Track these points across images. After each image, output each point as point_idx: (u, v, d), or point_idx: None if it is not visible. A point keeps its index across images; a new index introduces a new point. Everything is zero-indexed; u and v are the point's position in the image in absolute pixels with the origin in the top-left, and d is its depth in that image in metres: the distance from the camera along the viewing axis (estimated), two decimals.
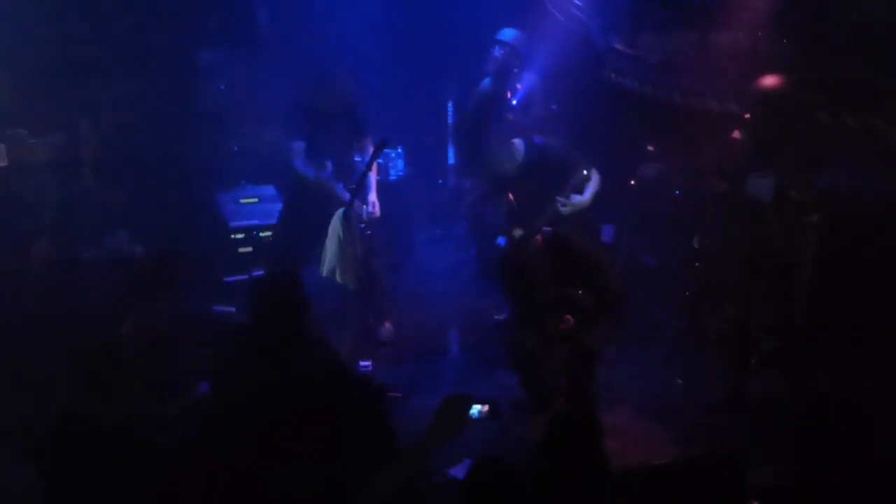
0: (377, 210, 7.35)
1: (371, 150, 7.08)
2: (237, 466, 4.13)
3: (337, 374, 4.67)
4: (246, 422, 4.31)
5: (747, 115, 6.48)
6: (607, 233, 8.33)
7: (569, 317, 6.13)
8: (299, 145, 7.31)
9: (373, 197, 7.34)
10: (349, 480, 3.68)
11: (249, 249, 8.39)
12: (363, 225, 7.20)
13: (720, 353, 6.76)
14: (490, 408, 3.73)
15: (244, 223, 8.43)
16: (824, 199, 6.23)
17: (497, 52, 8.26)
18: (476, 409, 3.71)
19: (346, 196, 7.02)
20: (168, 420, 5.32)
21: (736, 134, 6.46)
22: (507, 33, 8.35)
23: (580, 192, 6.72)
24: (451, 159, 10.31)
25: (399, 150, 9.38)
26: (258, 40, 8.39)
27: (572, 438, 3.73)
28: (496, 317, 7.74)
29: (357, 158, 7.44)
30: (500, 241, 6.74)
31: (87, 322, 6.33)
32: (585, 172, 6.67)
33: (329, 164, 7.27)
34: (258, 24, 8.36)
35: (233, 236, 8.39)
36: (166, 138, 7.74)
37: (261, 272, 7.80)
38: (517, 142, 6.74)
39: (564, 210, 6.61)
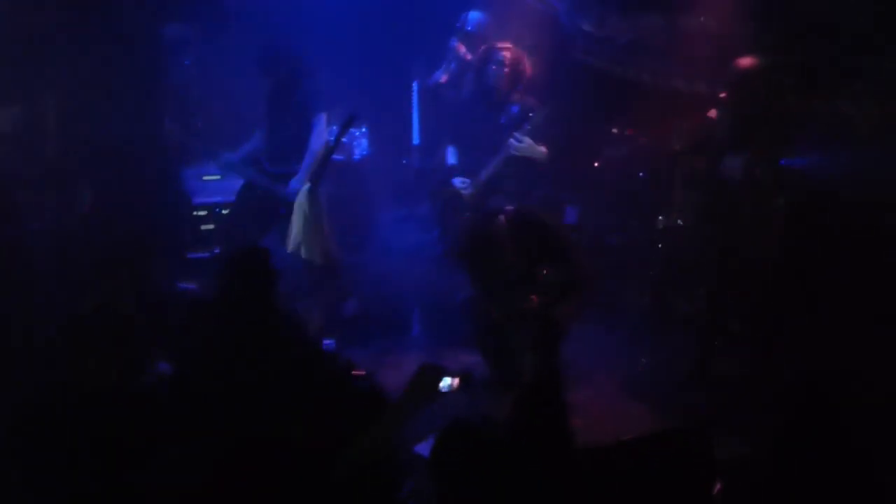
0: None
1: (321, 126, 7.09)
2: (204, 443, 4.09)
3: (304, 350, 4.66)
4: (212, 398, 4.27)
5: (723, 95, 6.51)
6: (570, 214, 8.35)
7: (534, 296, 6.15)
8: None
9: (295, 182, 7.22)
10: (321, 453, 3.67)
11: (212, 227, 8.34)
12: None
13: (685, 333, 6.81)
14: (461, 380, 3.73)
15: (207, 200, 8.36)
16: (793, 180, 6.28)
17: (462, 35, 8.29)
18: (447, 381, 3.71)
19: (285, 191, 7.09)
20: (130, 397, 5.27)
21: (712, 113, 6.50)
22: (472, 19, 8.38)
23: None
24: (416, 139, 10.27)
25: (363, 130, 9.34)
26: (225, 15, 8.29)
27: (539, 416, 3.74)
28: (460, 296, 7.74)
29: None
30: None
31: (43, 299, 6.26)
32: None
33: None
34: (223, 2, 8.26)
35: (196, 213, 8.32)
36: (129, 113, 7.62)
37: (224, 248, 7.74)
38: None
39: (515, 148, 6.76)
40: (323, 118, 7.22)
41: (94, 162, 7.50)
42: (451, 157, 7.49)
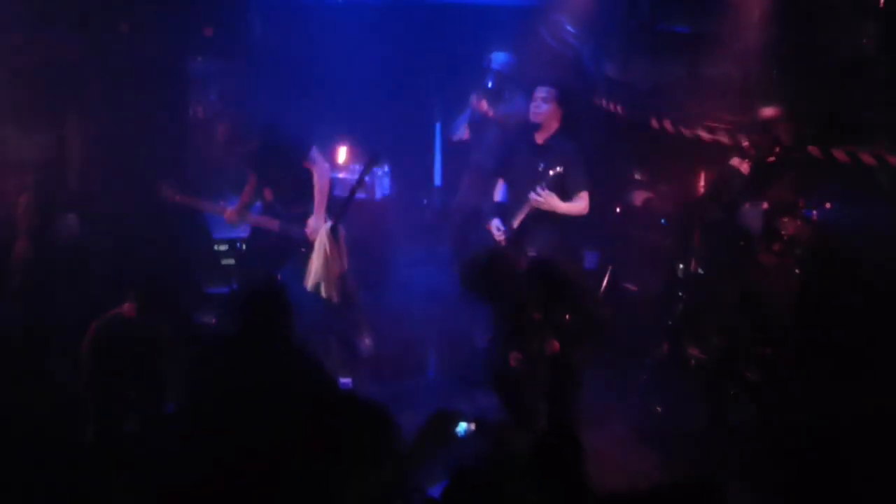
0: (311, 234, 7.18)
1: (318, 159, 7.14)
2: (219, 477, 4.09)
3: (321, 385, 4.66)
4: (228, 430, 4.28)
5: (744, 143, 6.52)
6: (591, 259, 8.35)
7: (554, 341, 6.13)
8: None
9: (313, 221, 7.20)
10: (334, 488, 3.66)
11: (232, 261, 8.35)
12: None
13: (701, 381, 6.77)
14: (477, 426, 3.72)
15: (228, 235, 8.38)
16: (813, 231, 6.27)
17: (488, 76, 8.33)
18: (463, 426, 3.70)
19: (303, 231, 7.15)
20: (146, 430, 5.29)
21: (734, 161, 6.50)
22: (498, 59, 8.42)
23: (560, 193, 6.82)
24: (438, 180, 10.32)
25: (386, 169, 9.37)
26: (250, 52, 8.37)
27: (556, 462, 3.73)
28: (480, 341, 7.72)
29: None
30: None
31: (61, 328, 6.30)
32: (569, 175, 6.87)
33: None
34: (251, 36, 8.34)
35: (216, 247, 8.35)
36: (155, 146, 7.70)
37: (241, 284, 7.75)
38: None
39: (535, 199, 6.73)
40: (315, 151, 7.23)
41: (117, 193, 7.59)
42: (500, 194, 7.46)
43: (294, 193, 7.31)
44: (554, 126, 7.16)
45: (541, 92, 7.13)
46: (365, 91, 9.35)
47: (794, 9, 7.15)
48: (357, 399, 4.81)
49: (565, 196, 6.97)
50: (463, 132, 8.66)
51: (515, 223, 7.04)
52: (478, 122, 8.46)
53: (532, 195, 6.86)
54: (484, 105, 8.32)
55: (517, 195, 7.16)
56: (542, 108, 7.11)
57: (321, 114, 8.81)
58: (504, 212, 7.22)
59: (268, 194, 7.45)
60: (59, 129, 7.61)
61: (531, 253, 6.65)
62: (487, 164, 8.08)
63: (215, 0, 7.90)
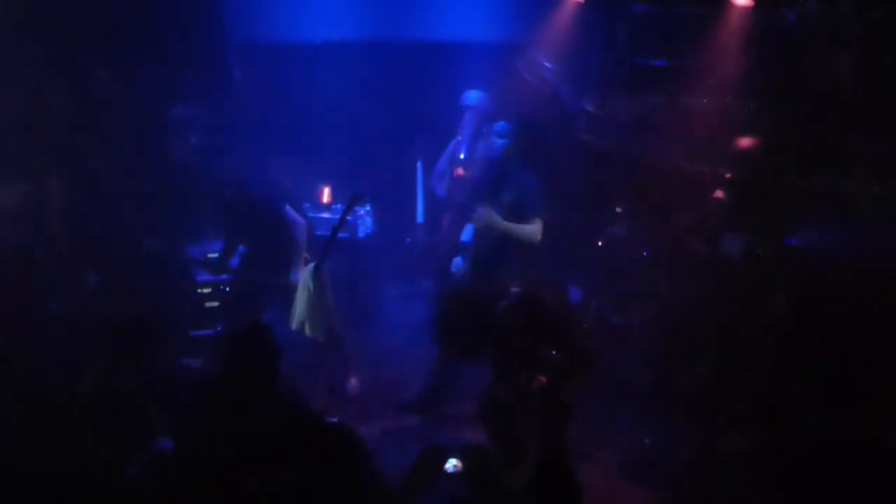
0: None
1: (293, 217, 7.25)
2: None
3: (308, 427, 4.63)
4: (214, 476, 4.25)
5: (728, 175, 6.56)
6: (574, 293, 8.36)
7: (541, 377, 6.11)
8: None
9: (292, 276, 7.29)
10: None
11: (216, 304, 8.33)
12: None
13: (688, 412, 6.77)
14: (467, 462, 3.71)
15: (211, 277, 8.37)
16: (793, 258, 6.30)
17: (464, 115, 8.40)
18: (452, 462, 3.69)
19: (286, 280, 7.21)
20: (130, 475, 5.23)
21: (718, 193, 6.53)
22: (472, 96, 8.51)
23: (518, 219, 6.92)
24: (420, 217, 10.33)
25: (368, 208, 9.41)
26: (231, 95, 8.38)
27: (548, 497, 3.72)
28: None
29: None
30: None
31: (46, 379, 6.24)
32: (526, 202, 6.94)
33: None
34: (231, 79, 8.36)
35: (200, 290, 8.33)
36: (135, 191, 7.68)
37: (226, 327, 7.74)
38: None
39: (476, 217, 6.80)
40: (289, 209, 7.29)
41: (98, 240, 7.56)
42: (466, 234, 7.50)
43: (271, 247, 7.38)
44: (512, 159, 7.23)
45: (498, 128, 7.26)
46: (345, 130, 9.39)
47: (771, 39, 7.24)
48: (339, 431, 4.81)
49: (523, 222, 7.08)
50: (443, 189, 8.73)
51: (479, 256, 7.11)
52: (456, 165, 8.54)
53: (475, 216, 6.97)
54: (461, 171, 8.40)
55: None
56: (500, 144, 7.21)
57: (302, 154, 8.84)
58: (464, 251, 7.30)
59: (247, 245, 7.49)
60: (38, 176, 7.59)
61: (513, 288, 6.65)
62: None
63: (194, 44, 7.91)
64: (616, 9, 8.35)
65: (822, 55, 6.94)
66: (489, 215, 6.99)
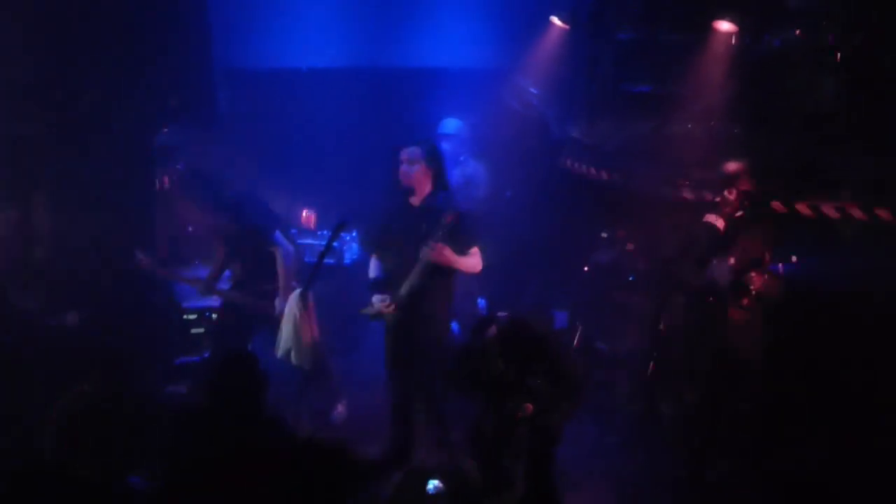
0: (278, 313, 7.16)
1: (282, 242, 7.28)
2: None
3: (294, 455, 4.59)
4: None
5: (717, 199, 6.54)
6: (560, 319, 8.36)
7: (528, 405, 6.09)
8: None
9: (279, 302, 7.27)
10: None
11: (202, 330, 8.30)
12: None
13: (676, 439, 6.76)
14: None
15: (197, 304, 8.35)
16: (780, 285, 6.31)
17: (443, 144, 8.34)
18: (432, 484, 3.68)
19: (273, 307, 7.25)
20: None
21: (708, 218, 6.50)
22: (450, 125, 8.54)
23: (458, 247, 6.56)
24: None
25: (353, 234, 9.39)
26: (217, 121, 8.38)
27: None
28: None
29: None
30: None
31: (27, 404, 6.19)
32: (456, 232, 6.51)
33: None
34: (217, 105, 8.36)
35: (186, 317, 8.31)
36: (121, 217, 7.67)
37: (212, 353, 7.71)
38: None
39: (430, 254, 6.46)
40: (279, 234, 7.30)
41: (85, 265, 7.53)
42: (374, 269, 7.05)
43: (260, 271, 7.37)
44: (427, 187, 6.77)
45: (405, 154, 6.78)
46: (332, 155, 9.39)
47: (755, 65, 7.29)
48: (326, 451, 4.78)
49: (458, 252, 6.59)
50: None
51: (407, 287, 6.62)
52: None
53: (425, 250, 6.55)
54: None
55: (405, 262, 6.66)
56: (412, 171, 6.73)
57: (288, 180, 8.84)
58: (383, 286, 6.87)
59: (236, 268, 7.47)
60: (25, 200, 7.58)
61: (501, 315, 6.56)
62: None
63: (181, 69, 7.91)
64: (601, 35, 8.39)
65: (807, 80, 6.98)
66: (445, 249, 6.48)
